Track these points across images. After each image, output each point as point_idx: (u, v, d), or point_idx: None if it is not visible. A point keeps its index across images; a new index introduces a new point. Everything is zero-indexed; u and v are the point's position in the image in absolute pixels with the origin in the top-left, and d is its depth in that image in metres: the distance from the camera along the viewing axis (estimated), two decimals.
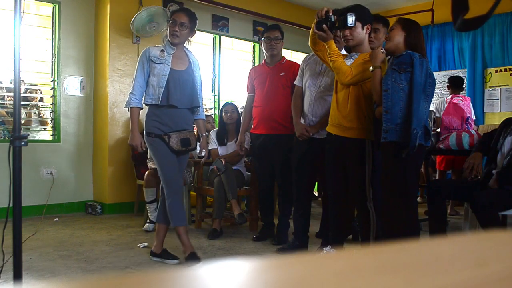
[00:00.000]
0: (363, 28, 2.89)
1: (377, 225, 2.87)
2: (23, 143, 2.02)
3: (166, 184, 2.99)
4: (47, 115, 4.98)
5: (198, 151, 3.33)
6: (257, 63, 6.60)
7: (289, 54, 7.23)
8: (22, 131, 2.09)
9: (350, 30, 2.84)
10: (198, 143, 3.30)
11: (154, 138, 2.97)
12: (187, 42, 3.12)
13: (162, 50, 3.01)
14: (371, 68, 2.70)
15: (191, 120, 3.14)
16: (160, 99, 2.94)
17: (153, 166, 4.28)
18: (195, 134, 3.12)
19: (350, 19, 2.75)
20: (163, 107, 2.97)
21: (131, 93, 3.00)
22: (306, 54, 3.82)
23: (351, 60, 2.91)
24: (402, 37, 2.70)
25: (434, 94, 3.23)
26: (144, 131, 3.02)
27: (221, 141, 4.30)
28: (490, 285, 0.35)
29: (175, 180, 3.02)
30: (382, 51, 2.73)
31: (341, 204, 3.04)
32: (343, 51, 3.15)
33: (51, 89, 4.92)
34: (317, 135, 3.27)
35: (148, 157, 4.45)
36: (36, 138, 4.86)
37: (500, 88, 6.28)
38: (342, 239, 3.15)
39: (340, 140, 2.90)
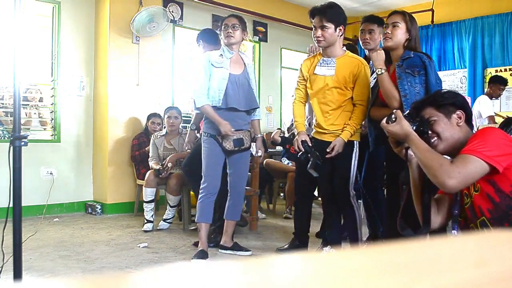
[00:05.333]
0: (335, 29, 2.86)
1: (377, 225, 2.87)
2: (23, 143, 2.02)
3: (204, 184, 3.15)
4: (47, 115, 4.98)
5: (254, 152, 3.48)
6: (257, 63, 6.61)
7: (289, 54, 7.23)
8: (22, 131, 2.09)
9: (322, 31, 2.83)
10: (253, 144, 3.43)
11: (209, 138, 3.15)
12: (241, 46, 3.30)
13: (221, 55, 3.17)
14: (379, 71, 2.65)
15: (247, 121, 3.28)
16: (221, 101, 3.09)
17: (155, 167, 4.27)
18: (250, 134, 3.28)
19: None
20: (222, 109, 3.11)
21: (197, 95, 3.13)
22: (306, 54, 3.81)
23: (328, 66, 2.89)
24: (404, 36, 2.65)
25: None
26: (202, 131, 3.23)
27: None
28: (490, 285, 0.35)
29: (215, 183, 3.16)
30: (380, 50, 2.73)
31: (332, 204, 3.06)
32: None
33: (51, 89, 4.92)
34: None
35: (150, 156, 4.45)
36: (36, 138, 4.86)
37: None
38: (338, 239, 3.15)
39: (327, 144, 2.91)
